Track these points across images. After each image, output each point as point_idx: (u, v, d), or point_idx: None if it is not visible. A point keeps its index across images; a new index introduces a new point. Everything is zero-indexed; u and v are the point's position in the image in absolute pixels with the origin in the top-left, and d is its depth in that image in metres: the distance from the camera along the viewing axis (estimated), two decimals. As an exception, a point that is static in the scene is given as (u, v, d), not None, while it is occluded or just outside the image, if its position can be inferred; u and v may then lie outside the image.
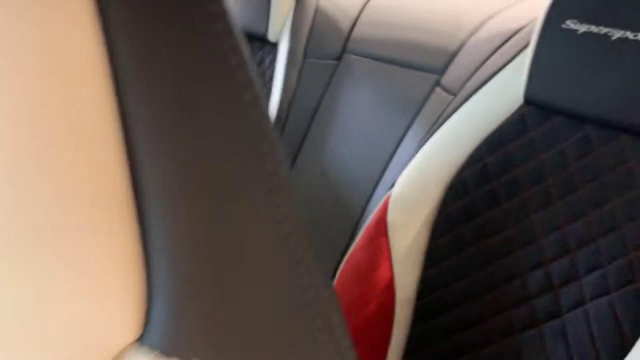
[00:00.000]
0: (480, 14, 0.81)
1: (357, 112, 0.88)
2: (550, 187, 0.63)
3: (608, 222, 0.58)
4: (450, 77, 0.77)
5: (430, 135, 0.72)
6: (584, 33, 0.57)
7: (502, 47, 0.71)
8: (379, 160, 0.83)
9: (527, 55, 0.63)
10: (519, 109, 0.66)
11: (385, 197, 0.73)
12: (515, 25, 0.72)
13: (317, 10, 0.99)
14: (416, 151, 0.73)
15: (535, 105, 0.64)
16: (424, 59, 0.82)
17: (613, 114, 0.57)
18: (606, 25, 0.55)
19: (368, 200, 0.82)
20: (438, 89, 0.78)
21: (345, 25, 0.95)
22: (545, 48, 0.61)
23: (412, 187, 0.72)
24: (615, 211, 0.58)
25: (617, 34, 0.55)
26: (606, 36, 0.55)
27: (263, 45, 1.05)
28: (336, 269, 0.75)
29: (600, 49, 0.56)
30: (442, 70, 0.79)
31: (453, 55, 0.79)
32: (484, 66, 0.71)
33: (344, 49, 0.94)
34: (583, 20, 0.57)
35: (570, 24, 0.58)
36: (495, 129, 0.67)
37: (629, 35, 0.54)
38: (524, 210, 0.65)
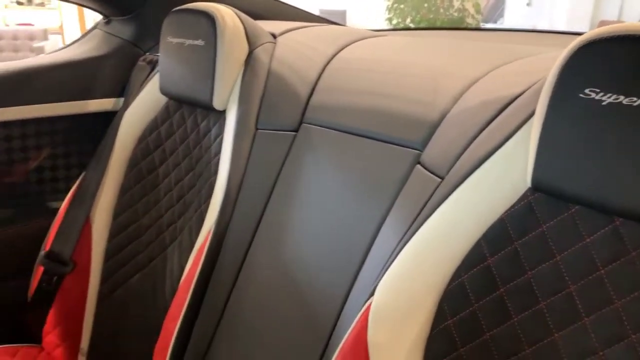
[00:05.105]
0: (462, 77, 0.68)
1: (322, 196, 0.73)
2: (575, 298, 0.49)
3: (661, 349, 0.44)
4: (433, 154, 0.64)
5: (416, 229, 0.57)
6: (611, 105, 0.44)
7: (497, 118, 0.58)
8: (353, 256, 0.67)
9: (533, 130, 0.50)
10: (525, 196, 0.52)
11: (364, 308, 0.58)
12: (509, 92, 0.60)
13: (270, 74, 0.85)
14: (399, 247, 0.58)
15: (545, 192, 0.51)
16: (399, 131, 0.69)
17: None
18: None
19: (341, 311, 0.65)
20: (419, 168, 0.65)
21: (303, 91, 0.81)
22: (557, 122, 0.48)
23: (397, 296, 0.56)
24: (670, 336, 0.44)
25: None
26: None
27: (208, 114, 0.90)
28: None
29: (633, 124, 0.43)
30: (422, 145, 0.66)
31: (433, 127, 0.66)
32: (476, 142, 0.58)
33: (302, 119, 0.80)
34: (609, 89, 0.44)
35: (592, 94, 0.45)
36: (497, 221, 0.53)
37: (673, 108, 0.41)
38: (542, 327, 0.51)
